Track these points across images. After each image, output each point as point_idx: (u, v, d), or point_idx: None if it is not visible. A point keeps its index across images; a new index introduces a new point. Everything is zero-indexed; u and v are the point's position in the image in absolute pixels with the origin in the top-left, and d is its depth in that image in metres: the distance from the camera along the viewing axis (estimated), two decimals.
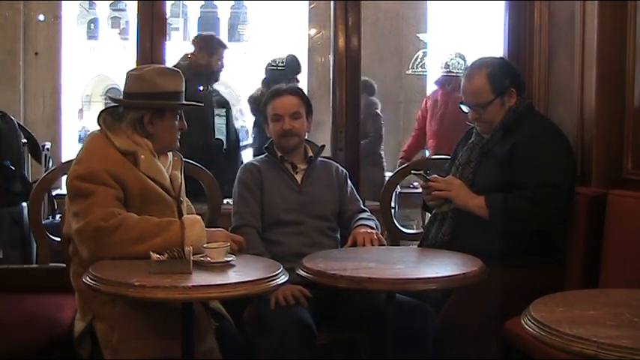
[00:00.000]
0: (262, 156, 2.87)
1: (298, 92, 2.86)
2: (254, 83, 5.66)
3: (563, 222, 2.64)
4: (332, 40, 3.28)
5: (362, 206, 2.89)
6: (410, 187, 5.12)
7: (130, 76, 2.44)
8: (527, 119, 2.71)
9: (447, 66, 5.04)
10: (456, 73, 5.06)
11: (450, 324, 2.54)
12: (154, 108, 2.40)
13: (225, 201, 3.13)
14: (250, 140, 5.49)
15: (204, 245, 2.24)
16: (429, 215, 2.92)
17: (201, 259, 2.19)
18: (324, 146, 2.91)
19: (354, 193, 2.91)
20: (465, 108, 2.78)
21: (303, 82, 6.69)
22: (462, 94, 2.78)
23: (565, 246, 2.69)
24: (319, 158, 2.90)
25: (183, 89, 2.46)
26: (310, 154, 2.84)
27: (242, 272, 2.14)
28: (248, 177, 2.78)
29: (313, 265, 2.26)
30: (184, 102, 2.48)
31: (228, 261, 2.21)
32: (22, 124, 3.87)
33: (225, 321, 2.50)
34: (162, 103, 2.40)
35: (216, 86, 4.50)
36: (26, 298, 2.74)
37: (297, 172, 2.82)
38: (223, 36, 25.34)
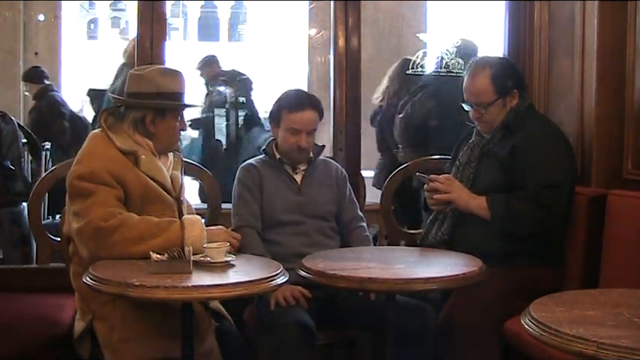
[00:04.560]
0: (261, 157, 2.86)
1: (318, 106, 2.76)
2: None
3: (563, 222, 2.64)
4: (332, 40, 3.28)
5: (359, 212, 2.89)
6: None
7: (132, 76, 2.44)
8: (527, 120, 2.71)
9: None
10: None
11: (450, 324, 2.54)
12: (155, 108, 2.40)
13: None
14: None
15: (204, 245, 2.24)
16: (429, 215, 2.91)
17: (201, 259, 2.20)
18: (324, 146, 2.90)
19: (352, 196, 2.91)
20: (466, 107, 2.78)
21: (302, 82, 6.69)
22: (464, 92, 2.78)
23: (565, 246, 2.69)
24: (320, 157, 2.90)
25: (185, 90, 2.46)
26: (310, 154, 2.84)
27: (242, 272, 2.14)
28: (247, 178, 2.77)
29: (313, 265, 2.26)
30: (186, 103, 2.48)
31: (228, 261, 2.21)
32: (22, 124, 3.87)
33: (225, 321, 2.51)
34: (164, 103, 2.40)
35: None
36: (26, 298, 2.74)
37: (296, 173, 2.81)
38: (223, 36, 25.37)
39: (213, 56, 5.93)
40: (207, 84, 5.75)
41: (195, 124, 5.41)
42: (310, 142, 2.75)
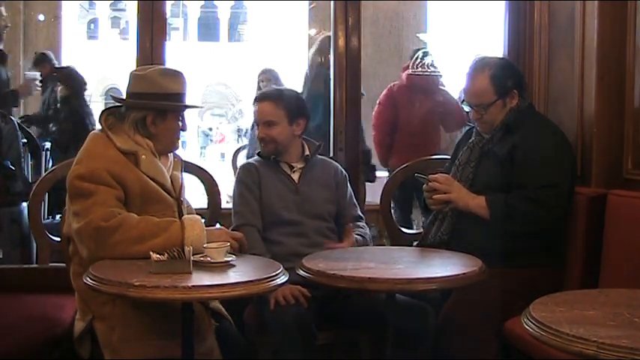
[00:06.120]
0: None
1: (278, 98, 2.76)
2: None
3: (563, 222, 2.64)
4: (332, 40, 3.28)
5: (360, 213, 2.89)
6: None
7: (134, 77, 2.44)
8: (527, 119, 2.71)
9: (426, 66, 4.86)
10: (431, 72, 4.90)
11: (450, 324, 2.54)
12: (156, 109, 2.40)
13: (225, 202, 3.14)
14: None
15: (204, 245, 2.24)
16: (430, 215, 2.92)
17: (201, 259, 2.20)
18: (321, 144, 2.90)
19: (353, 198, 2.91)
20: (466, 107, 2.78)
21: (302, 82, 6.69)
22: (463, 93, 2.78)
23: (565, 246, 2.69)
24: (320, 157, 2.90)
25: (186, 90, 2.46)
26: (307, 152, 2.84)
27: (242, 272, 2.14)
28: (247, 177, 2.78)
29: (313, 265, 2.26)
30: (187, 104, 2.48)
31: (228, 261, 2.21)
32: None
33: (225, 321, 2.51)
34: (165, 104, 2.40)
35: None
36: (26, 298, 2.74)
37: (293, 171, 2.81)
38: (223, 36, 25.39)
39: (44, 54, 5.80)
40: (42, 82, 5.60)
41: (28, 121, 5.29)
42: (270, 134, 2.74)
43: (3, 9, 4.11)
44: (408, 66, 4.83)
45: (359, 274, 2.16)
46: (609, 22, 2.70)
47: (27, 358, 2.36)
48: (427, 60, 4.72)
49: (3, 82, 4.13)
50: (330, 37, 4.35)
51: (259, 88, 5.68)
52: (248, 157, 5.19)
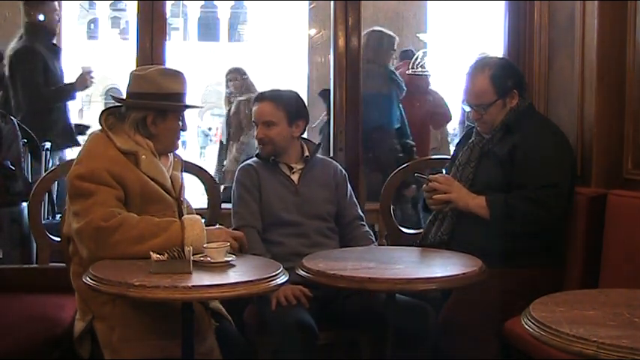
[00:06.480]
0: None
1: (277, 98, 2.77)
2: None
3: (562, 222, 2.64)
4: (332, 40, 3.28)
5: (360, 212, 2.89)
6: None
7: (134, 77, 2.44)
8: (527, 119, 2.71)
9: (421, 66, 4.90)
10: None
11: (450, 324, 2.54)
12: (157, 109, 2.40)
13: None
14: None
15: (204, 245, 2.24)
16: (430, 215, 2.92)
17: (201, 259, 2.20)
18: (320, 144, 2.91)
19: (353, 197, 2.91)
20: (466, 107, 2.78)
21: (302, 82, 6.70)
22: (463, 94, 2.78)
23: (565, 246, 2.69)
24: (319, 157, 2.90)
25: (186, 90, 2.46)
26: (307, 153, 2.84)
27: (242, 272, 2.14)
28: (246, 178, 2.78)
29: (313, 265, 2.26)
30: (187, 104, 2.48)
31: (228, 261, 2.21)
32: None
33: (225, 321, 2.51)
34: (166, 104, 2.40)
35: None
36: (26, 298, 2.74)
37: (293, 172, 2.81)
38: (223, 36, 25.41)
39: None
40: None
41: None
42: (269, 134, 2.74)
43: (56, 3, 4.13)
44: (398, 67, 4.85)
45: (359, 274, 2.16)
46: (609, 22, 2.70)
47: (27, 358, 2.36)
48: (425, 61, 4.75)
49: (57, 77, 4.18)
50: (376, 31, 4.39)
51: (227, 87, 5.72)
52: (220, 153, 5.25)
